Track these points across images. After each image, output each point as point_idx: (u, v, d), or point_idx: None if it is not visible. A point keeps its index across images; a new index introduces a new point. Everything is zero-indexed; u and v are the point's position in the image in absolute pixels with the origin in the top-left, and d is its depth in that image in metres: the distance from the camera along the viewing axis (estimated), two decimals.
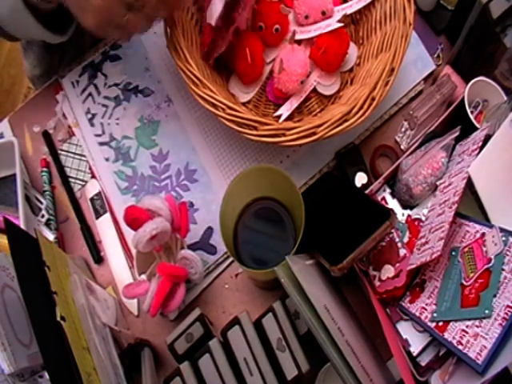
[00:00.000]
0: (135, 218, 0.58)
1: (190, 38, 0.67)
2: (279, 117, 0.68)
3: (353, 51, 0.72)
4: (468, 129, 0.64)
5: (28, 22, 0.62)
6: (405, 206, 0.65)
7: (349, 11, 0.70)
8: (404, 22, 0.63)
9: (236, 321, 0.56)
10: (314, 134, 0.59)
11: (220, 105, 0.59)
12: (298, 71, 0.65)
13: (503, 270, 0.51)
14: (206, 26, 0.66)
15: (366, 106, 0.59)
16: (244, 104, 0.70)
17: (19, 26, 0.63)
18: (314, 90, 0.71)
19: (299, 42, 0.71)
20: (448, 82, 0.69)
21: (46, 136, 0.76)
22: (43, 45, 0.85)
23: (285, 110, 0.68)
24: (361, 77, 0.68)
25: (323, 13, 0.69)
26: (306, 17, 0.69)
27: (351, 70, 0.72)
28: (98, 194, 0.72)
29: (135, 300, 0.69)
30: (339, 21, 0.68)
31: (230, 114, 0.59)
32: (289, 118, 0.69)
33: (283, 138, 0.59)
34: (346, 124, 0.59)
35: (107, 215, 0.71)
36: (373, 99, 0.60)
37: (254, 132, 0.59)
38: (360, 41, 0.73)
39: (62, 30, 0.66)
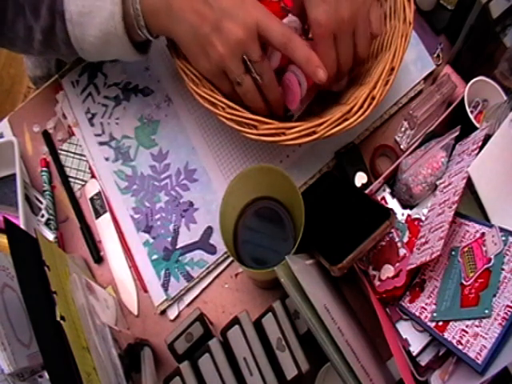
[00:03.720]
0: None
1: None
2: (291, 117, 0.68)
3: None
4: (468, 128, 0.64)
5: (121, 47, 0.60)
6: (404, 206, 0.65)
7: None
8: (404, 22, 0.63)
9: (236, 320, 0.56)
10: (314, 133, 0.58)
11: (220, 104, 0.59)
12: None
13: (503, 269, 0.51)
14: None
15: (365, 106, 0.59)
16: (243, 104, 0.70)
17: (104, 51, 0.61)
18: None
19: None
20: (448, 81, 0.69)
21: (46, 136, 0.76)
22: None
23: (297, 110, 0.68)
24: (360, 76, 0.68)
25: None
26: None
27: (351, 69, 0.72)
28: (98, 194, 0.72)
29: (135, 300, 0.69)
30: None
31: (230, 113, 0.59)
32: (288, 118, 0.69)
33: (283, 137, 0.59)
34: (346, 123, 0.59)
35: (107, 215, 0.71)
36: (373, 98, 0.60)
37: (254, 131, 0.59)
38: None
39: (144, 50, 0.65)
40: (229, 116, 0.59)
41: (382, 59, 0.64)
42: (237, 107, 0.59)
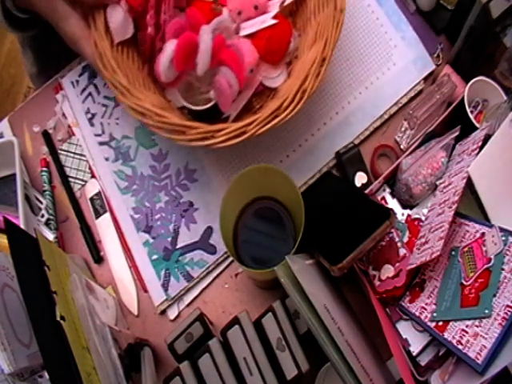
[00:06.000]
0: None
1: (121, 48, 0.64)
2: (227, 118, 0.66)
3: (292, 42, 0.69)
4: (468, 128, 0.64)
5: None
6: (404, 206, 0.65)
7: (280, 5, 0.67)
8: (335, 9, 0.61)
9: (236, 320, 0.56)
10: (244, 133, 0.57)
11: (148, 113, 0.58)
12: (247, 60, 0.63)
13: (503, 269, 0.51)
14: (145, 37, 0.64)
15: (296, 100, 0.57)
16: (181, 109, 0.68)
17: None
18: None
19: None
20: (448, 81, 0.69)
21: (46, 136, 0.76)
22: (37, 44, 0.84)
23: (233, 110, 0.66)
24: (296, 70, 0.66)
25: (256, 7, 0.67)
26: (239, 13, 0.67)
27: (290, 63, 0.69)
28: (98, 194, 0.72)
29: (135, 300, 0.69)
30: (274, 17, 0.66)
31: (158, 121, 0.58)
32: (224, 119, 0.66)
33: (213, 141, 0.57)
34: (277, 120, 0.57)
35: (107, 215, 0.71)
36: (304, 92, 0.57)
37: (183, 137, 0.58)
38: (298, 33, 0.70)
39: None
40: (158, 124, 0.58)
41: (313, 50, 0.62)
42: (165, 114, 0.58)
